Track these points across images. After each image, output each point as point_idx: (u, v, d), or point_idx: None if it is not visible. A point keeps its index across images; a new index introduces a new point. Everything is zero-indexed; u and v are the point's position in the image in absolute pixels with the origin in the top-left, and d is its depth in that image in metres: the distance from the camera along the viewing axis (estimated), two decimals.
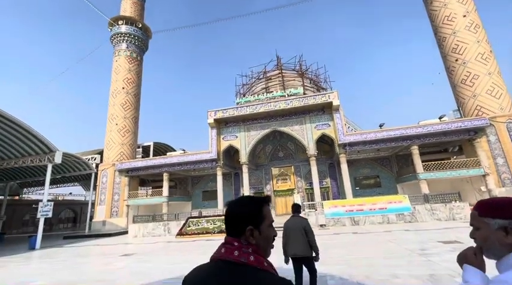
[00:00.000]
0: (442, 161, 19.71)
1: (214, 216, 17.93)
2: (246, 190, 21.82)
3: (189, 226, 17.15)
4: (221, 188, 22.50)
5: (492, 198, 0.95)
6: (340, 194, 24.54)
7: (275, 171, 27.09)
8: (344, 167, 20.72)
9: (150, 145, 28.39)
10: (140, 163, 24.00)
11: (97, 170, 24.60)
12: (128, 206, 24.14)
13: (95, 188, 25.39)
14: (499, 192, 17.65)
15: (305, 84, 28.40)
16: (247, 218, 0.91)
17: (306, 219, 4.12)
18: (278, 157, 27.18)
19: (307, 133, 21.57)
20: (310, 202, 20.71)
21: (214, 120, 22.42)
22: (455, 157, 22.94)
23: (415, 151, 19.76)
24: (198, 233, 16.16)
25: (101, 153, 27.08)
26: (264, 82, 33.73)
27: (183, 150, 24.30)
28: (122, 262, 9.17)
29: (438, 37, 22.52)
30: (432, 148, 23.13)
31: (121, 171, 24.71)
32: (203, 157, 22.47)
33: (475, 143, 18.82)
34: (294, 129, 21.94)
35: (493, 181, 18.01)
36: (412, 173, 20.47)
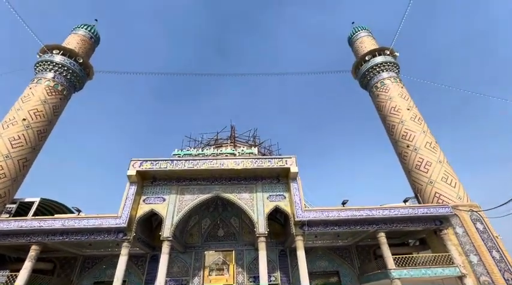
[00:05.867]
0: (415, 256, 16.43)
1: None
2: (161, 283, 14.31)
3: None
4: (121, 276, 14.50)
5: None
6: None
7: (210, 257, 20.07)
8: (301, 254, 15.69)
9: (34, 202, 19.48)
10: None
11: None
12: None
13: None
14: None
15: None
16: None
17: None
18: (217, 236, 20.81)
19: (257, 204, 16.95)
20: None
21: (138, 172, 16.63)
22: (417, 252, 20.06)
23: (383, 239, 16.35)
24: None
25: None
26: (214, 149, 30.32)
27: (78, 210, 16.61)
28: None
29: (387, 124, 23.42)
30: (390, 240, 20.18)
31: None
32: (105, 224, 15.16)
33: (443, 235, 16.47)
34: (242, 197, 17.23)
35: None
36: (381, 270, 16.32)
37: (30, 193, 21.13)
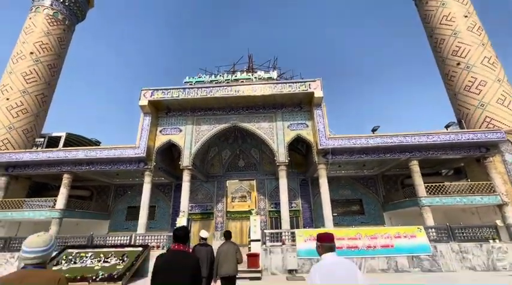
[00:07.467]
0: (448, 184, 15.17)
1: (113, 247, 10.59)
2: (185, 206, 14.87)
3: (58, 263, 9.54)
4: (147, 201, 15.23)
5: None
6: (313, 222, 18.65)
7: (232, 185, 20.55)
8: (324, 182, 15.07)
9: (60, 136, 20.21)
10: (28, 155, 15.86)
11: None
12: None
13: None
14: None
15: None
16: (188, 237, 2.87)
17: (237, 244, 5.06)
18: (237, 166, 20.82)
19: (277, 134, 15.84)
20: (275, 230, 14.41)
21: (151, 102, 15.77)
22: (450, 182, 18.73)
23: (415, 167, 14.99)
24: (69, 280, 8.68)
25: None
26: (228, 75, 28.35)
27: (97, 142, 16.85)
28: None
29: (435, 39, 19.34)
30: (422, 170, 18.77)
31: None
32: (125, 154, 15.26)
33: (487, 163, 14.65)
34: (261, 127, 16.11)
35: None
36: (409, 198, 15.50)
37: (58, 129, 21.80)
